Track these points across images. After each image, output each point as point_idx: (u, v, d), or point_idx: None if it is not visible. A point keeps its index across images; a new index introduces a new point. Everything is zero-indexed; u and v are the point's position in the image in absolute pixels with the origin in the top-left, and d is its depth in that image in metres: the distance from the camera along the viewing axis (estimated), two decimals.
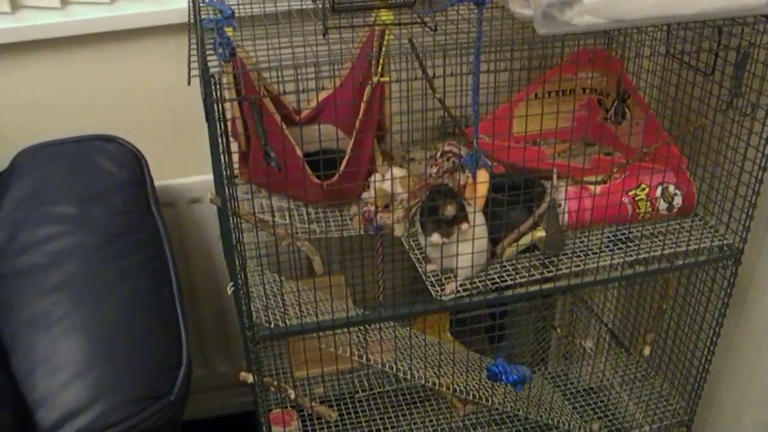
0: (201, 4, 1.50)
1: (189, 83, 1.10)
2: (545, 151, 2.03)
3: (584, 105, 2.21)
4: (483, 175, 1.65)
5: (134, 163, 1.98)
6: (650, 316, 1.89)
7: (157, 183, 2.06)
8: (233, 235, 1.31)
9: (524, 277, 1.56)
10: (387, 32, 1.78)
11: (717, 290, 1.85)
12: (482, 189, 1.63)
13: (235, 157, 1.82)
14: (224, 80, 1.25)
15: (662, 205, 1.78)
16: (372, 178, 1.83)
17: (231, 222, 1.32)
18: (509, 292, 1.55)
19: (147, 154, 2.07)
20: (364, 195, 1.83)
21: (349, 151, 1.78)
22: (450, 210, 1.46)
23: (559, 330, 1.97)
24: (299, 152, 1.74)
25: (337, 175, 1.76)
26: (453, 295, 1.55)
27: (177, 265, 1.83)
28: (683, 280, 1.89)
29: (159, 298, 1.74)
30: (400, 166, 1.91)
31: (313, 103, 1.95)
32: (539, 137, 2.19)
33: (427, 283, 1.56)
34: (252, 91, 1.50)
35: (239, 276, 1.35)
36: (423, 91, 1.74)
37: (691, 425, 2.14)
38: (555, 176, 1.64)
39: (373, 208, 1.84)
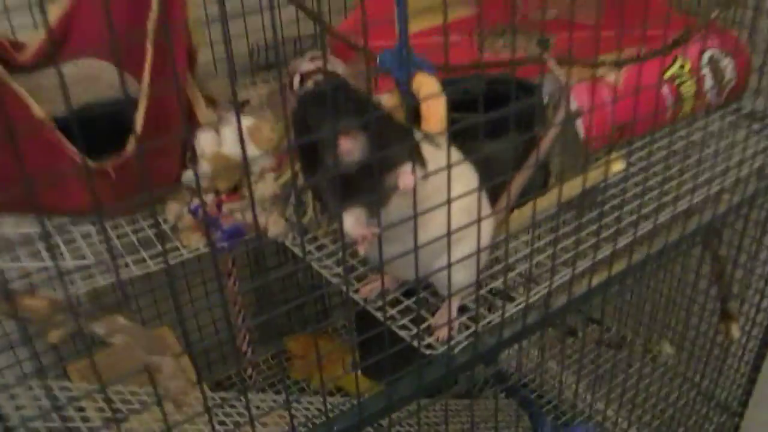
0: None
1: None
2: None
3: None
4: (428, 82, 0.89)
5: None
6: (712, 280, 1.23)
7: None
8: None
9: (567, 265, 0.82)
10: None
11: None
12: (438, 108, 0.86)
13: None
14: None
15: (709, 84, 1.10)
16: (198, 141, 1.02)
17: None
18: (556, 302, 0.81)
19: None
20: (189, 176, 1.02)
21: (143, 97, 0.97)
22: (350, 144, 0.69)
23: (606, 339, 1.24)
24: (42, 115, 0.90)
25: (129, 146, 0.93)
26: (462, 341, 0.78)
27: None
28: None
29: None
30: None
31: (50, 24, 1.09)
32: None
33: (396, 329, 0.78)
34: None
35: None
36: None
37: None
38: (553, 63, 0.91)
39: (212, 197, 1.02)
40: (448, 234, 0.65)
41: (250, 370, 1.38)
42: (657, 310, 1.20)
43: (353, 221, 0.74)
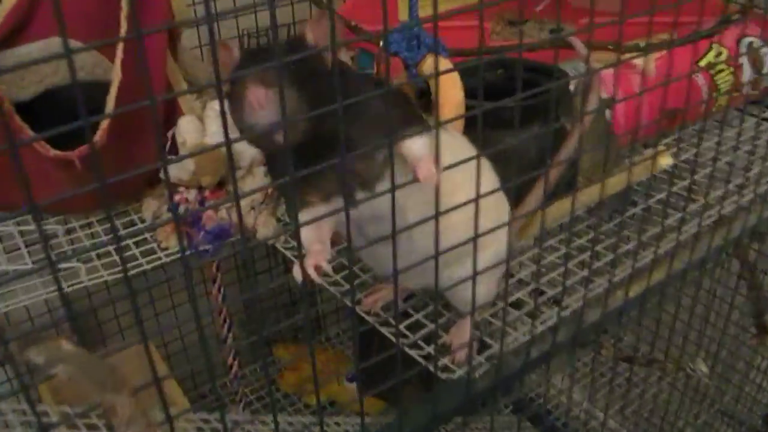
0: None
1: None
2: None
3: None
4: (442, 65, 0.78)
5: None
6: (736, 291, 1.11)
7: None
8: None
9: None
10: None
11: None
12: (453, 93, 0.75)
13: None
14: None
15: (747, 75, 1.00)
16: (179, 130, 0.91)
17: None
18: (593, 315, 0.69)
19: None
20: (170, 169, 0.91)
21: (116, 79, 0.86)
22: (261, 95, 0.55)
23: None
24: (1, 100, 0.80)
25: (99, 133, 0.82)
26: (484, 363, 0.67)
27: None
28: None
29: None
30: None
31: (11, 1, 0.97)
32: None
33: (413, 354, 0.67)
34: None
35: None
36: None
37: None
38: (579, 46, 0.80)
39: (195, 194, 0.91)
40: (475, 237, 0.53)
41: (235, 384, 1.27)
42: (683, 326, 1.08)
43: (312, 231, 0.59)
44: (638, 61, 0.93)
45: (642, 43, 0.91)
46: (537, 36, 1.31)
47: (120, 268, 0.87)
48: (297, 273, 0.52)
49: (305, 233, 0.58)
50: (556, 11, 1.28)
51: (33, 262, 0.91)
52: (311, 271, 0.53)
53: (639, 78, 0.92)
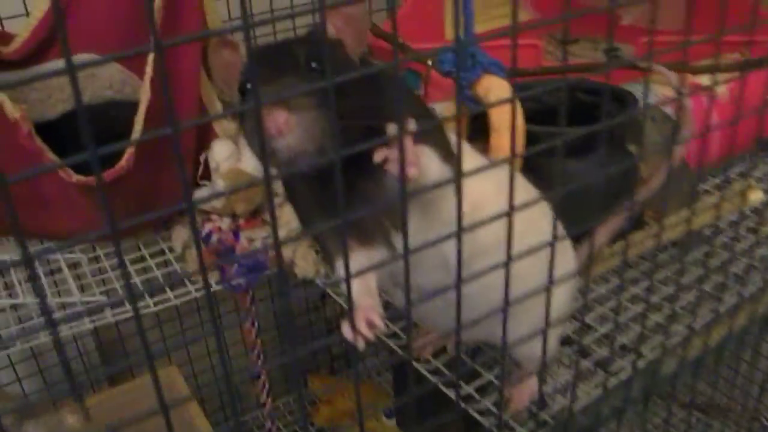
0: None
1: None
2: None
3: None
4: (500, 87, 0.71)
5: None
6: None
7: None
8: None
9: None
10: None
11: None
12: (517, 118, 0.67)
13: None
14: None
15: None
16: (212, 154, 0.85)
17: None
18: (669, 365, 0.61)
19: None
20: (201, 196, 0.84)
21: (144, 98, 0.80)
22: (282, 120, 0.46)
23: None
24: (17, 116, 0.73)
25: (125, 157, 0.76)
26: (549, 421, 0.59)
27: None
28: None
29: None
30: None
31: (38, 15, 0.92)
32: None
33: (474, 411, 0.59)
34: None
35: None
36: None
37: None
38: (664, 70, 0.72)
39: (228, 222, 0.85)
40: (548, 287, 0.46)
41: (269, 424, 1.20)
42: (759, 374, 0.99)
43: (357, 282, 0.50)
44: (707, 83, 0.85)
45: (710, 63, 0.84)
46: (590, 56, 1.24)
47: (148, 301, 0.81)
48: (347, 332, 0.45)
49: (356, 289, 0.50)
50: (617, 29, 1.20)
51: (59, 293, 0.85)
52: (363, 328, 0.46)
53: (707, 101, 0.84)
